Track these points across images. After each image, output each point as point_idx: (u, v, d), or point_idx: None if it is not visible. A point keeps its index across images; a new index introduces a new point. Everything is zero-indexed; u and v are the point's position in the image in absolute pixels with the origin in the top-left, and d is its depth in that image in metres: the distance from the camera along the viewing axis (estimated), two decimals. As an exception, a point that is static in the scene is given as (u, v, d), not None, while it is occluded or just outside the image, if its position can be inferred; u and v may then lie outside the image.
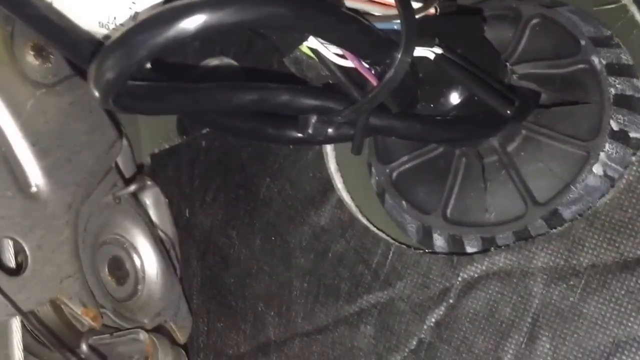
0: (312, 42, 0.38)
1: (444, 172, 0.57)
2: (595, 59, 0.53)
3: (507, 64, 0.56)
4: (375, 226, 0.62)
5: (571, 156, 0.53)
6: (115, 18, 0.30)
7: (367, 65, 0.40)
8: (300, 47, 0.39)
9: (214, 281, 0.72)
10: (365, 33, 0.37)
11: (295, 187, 0.66)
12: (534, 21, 0.56)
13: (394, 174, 0.61)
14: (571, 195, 0.52)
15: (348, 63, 0.40)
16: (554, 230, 0.51)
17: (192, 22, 0.28)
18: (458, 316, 0.54)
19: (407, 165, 0.60)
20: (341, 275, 0.61)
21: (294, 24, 0.32)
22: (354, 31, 0.35)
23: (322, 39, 0.35)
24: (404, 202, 0.60)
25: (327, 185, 0.64)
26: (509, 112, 0.45)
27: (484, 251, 0.54)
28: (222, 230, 0.71)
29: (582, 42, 0.54)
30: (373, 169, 0.63)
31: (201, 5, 0.28)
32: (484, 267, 0.54)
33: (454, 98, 0.48)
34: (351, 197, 0.64)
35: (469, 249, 0.56)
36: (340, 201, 0.63)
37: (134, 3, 0.30)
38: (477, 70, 0.45)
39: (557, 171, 0.53)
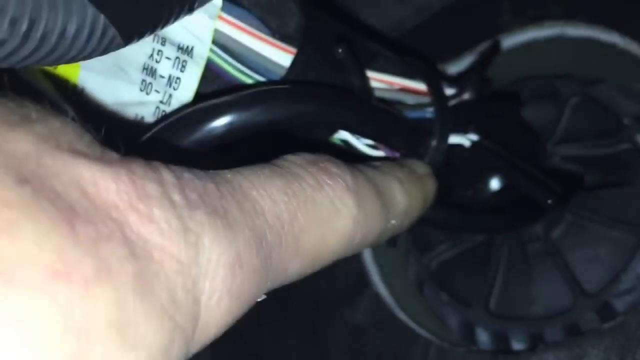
0: (343, 134, 0.38)
1: (486, 260, 0.55)
2: (640, 138, 0.51)
3: (548, 145, 0.54)
4: (414, 321, 0.59)
5: (620, 242, 0.50)
6: (142, 117, 0.30)
7: (399, 155, 0.39)
8: (331, 138, 0.38)
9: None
10: (397, 125, 0.36)
11: (329, 280, 0.64)
12: (574, 100, 0.55)
13: (433, 264, 0.59)
14: (623, 285, 0.49)
15: (380, 153, 0.39)
16: (605, 324, 0.48)
17: (220, 123, 0.27)
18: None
19: (446, 255, 0.58)
20: (379, 376, 0.59)
21: (323, 121, 0.31)
22: (385, 124, 0.35)
23: (353, 133, 0.34)
24: (444, 294, 0.57)
25: (363, 279, 0.62)
26: (550, 202, 0.43)
27: (532, 349, 0.51)
28: (253, 327, 0.69)
29: (625, 121, 0.52)
30: (410, 259, 0.61)
31: (229, 106, 0.28)
32: (532, 367, 0.50)
33: (493, 184, 0.47)
34: (388, 290, 0.61)
35: (515, 346, 0.53)
36: (377, 295, 0.61)
37: (161, 102, 0.30)
38: (515, 158, 0.44)
39: (607, 259, 0.50)
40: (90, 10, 0.19)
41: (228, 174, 0.19)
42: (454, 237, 0.58)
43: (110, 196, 0.15)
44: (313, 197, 0.21)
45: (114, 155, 0.17)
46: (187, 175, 0.18)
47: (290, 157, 0.22)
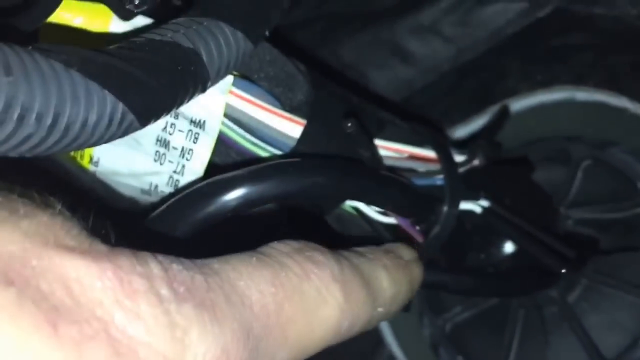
0: (354, 202, 0.38)
1: (502, 323, 0.54)
2: (654, 202, 0.51)
3: (561, 208, 0.54)
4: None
5: (638, 307, 0.49)
6: (157, 186, 0.31)
7: (410, 222, 0.40)
8: (342, 206, 0.39)
9: None
10: (407, 193, 0.36)
11: (343, 342, 0.63)
12: (586, 163, 0.56)
13: (448, 326, 0.58)
14: (642, 352, 0.48)
15: (391, 220, 0.40)
16: (625, 391, 0.47)
17: (233, 196, 0.28)
18: None
19: (461, 316, 0.57)
20: None
21: (335, 193, 0.32)
22: (395, 194, 0.35)
23: (363, 202, 0.35)
24: (460, 357, 0.56)
25: (377, 339, 0.62)
26: (563, 270, 0.42)
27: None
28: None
29: (639, 185, 0.52)
30: (425, 320, 0.61)
31: (241, 179, 0.28)
32: None
33: (506, 249, 0.47)
34: (403, 352, 0.61)
35: (533, 413, 0.52)
36: (391, 357, 0.60)
37: (175, 172, 0.31)
38: (527, 224, 0.44)
39: (625, 323, 0.50)
40: (110, 99, 0.20)
41: (216, 264, 0.19)
42: (468, 299, 0.57)
43: (96, 293, 0.15)
44: (300, 287, 0.21)
45: (101, 247, 0.17)
46: (176, 266, 0.18)
47: (276, 245, 0.22)
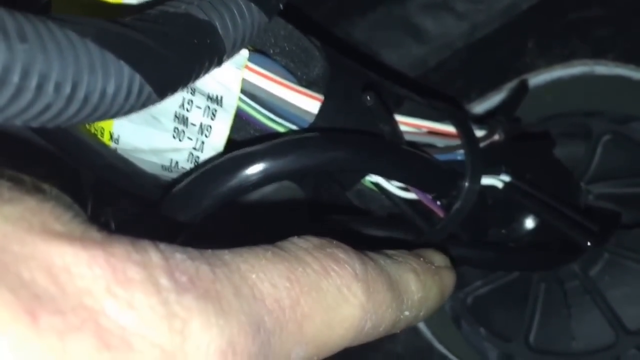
0: (374, 177, 0.38)
1: (523, 296, 0.54)
2: (675, 178, 0.50)
3: (582, 183, 0.54)
4: (452, 353, 0.58)
5: (661, 280, 0.49)
6: (177, 163, 0.31)
7: (431, 197, 0.39)
8: (363, 181, 0.38)
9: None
10: (428, 168, 0.36)
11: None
12: (606, 138, 0.55)
13: (469, 299, 0.58)
14: (665, 323, 0.48)
15: (412, 195, 0.39)
16: (651, 362, 0.47)
17: (254, 170, 0.28)
18: None
19: (482, 290, 0.57)
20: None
21: (355, 166, 0.32)
22: (416, 168, 0.35)
23: (385, 177, 0.35)
24: (482, 329, 0.56)
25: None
26: (589, 243, 0.42)
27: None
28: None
29: (660, 158, 0.52)
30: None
31: (262, 154, 0.28)
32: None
33: (527, 224, 0.46)
34: (426, 324, 0.60)
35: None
36: (415, 327, 0.60)
37: (194, 149, 0.30)
38: (550, 198, 0.43)
39: (647, 296, 0.49)
40: (127, 70, 0.20)
41: (226, 255, 0.18)
42: (489, 273, 0.57)
43: (85, 282, 0.15)
44: (318, 284, 0.20)
45: (95, 234, 0.16)
46: (179, 255, 0.17)
47: (296, 240, 0.21)
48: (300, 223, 0.38)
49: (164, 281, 0.16)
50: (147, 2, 0.27)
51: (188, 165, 0.30)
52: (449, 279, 0.28)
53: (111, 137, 0.30)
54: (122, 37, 0.20)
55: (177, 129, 0.29)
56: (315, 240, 0.22)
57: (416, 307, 0.25)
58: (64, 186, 0.17)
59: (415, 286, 0.25)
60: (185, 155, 0.30)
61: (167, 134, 0.29)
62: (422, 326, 0.60)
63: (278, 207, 0.38)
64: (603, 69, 0.56)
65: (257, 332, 0.17)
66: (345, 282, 0.21)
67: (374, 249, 0.25)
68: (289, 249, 0.21)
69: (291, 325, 0.19)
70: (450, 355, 0.58)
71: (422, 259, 0.27)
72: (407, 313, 0.24)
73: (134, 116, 0.27)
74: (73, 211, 0.16)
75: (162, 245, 0.17)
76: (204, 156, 0.30)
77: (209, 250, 0.18)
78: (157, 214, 0.27)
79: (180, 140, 0.29)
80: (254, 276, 0.18)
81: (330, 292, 0.20)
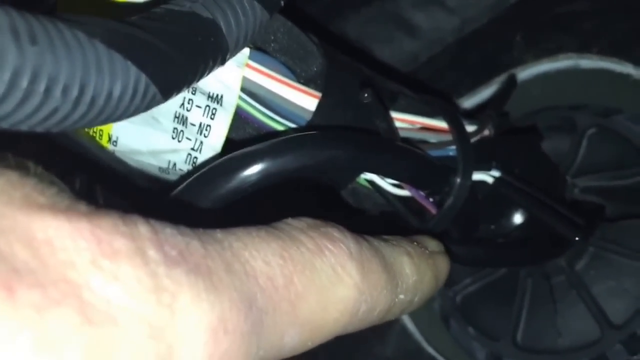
0: (369, 175, 0.38)
1: (511, 293, 0.54)
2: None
3: (567, 177, 0.54)
4: (441, 354, 0.58)
5: (645, 273, 0.50)
6: (175, 164, 0.31)
7: (424, 194, 0.39)
8: (357, 178, 0.38)
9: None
10: (422, 165, 0.36)
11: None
12: (591, 131, 0.55)
13: (458, 298, 0.58)
14: (650, 317, 0.48)
15: (405, 192, 0.39)
16: (634, 356, 0.48)
17: (253, 171, 0.28)
18: None
19: (471, 288, 0.57)
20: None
21: (352, 165, 0.32)
22: (412, 165, 0.35)
23: (381, 175, 0.35)
24: (470, 328, 0.57)
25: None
26: (577, 238, 0.42)
27: (560, 382, 0.51)
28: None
29: (643, 152, 0.52)
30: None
31: (261, 154, 0.28)
32: (561, 401, 0.50)
33: (516, 219, 0.47)
34: (415, 324, 0.61)
35: (544, 380, 0.52)
36: (404, 329, 0.60)
37: (193, 149, 0.30)
38: (538, 193, 0.44)
39: (632, 290, 0.50)
40: (133, 70, 0.19)
41: (218, 233, 0.18)
42: (478, 271, 0.57)
43: (68, 255, 0.14)
44: (312, 262, 0.20)
45: (81, 207, 0.15)
46: (170, 230, 0.16)
47: (290, 220, 0.21)
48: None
49: (152, 253, 0.15)
50: (152, 0, 0.26)
51: (186, 167, 0.29)
52: (443, 264, 0.28)
53: (110, 139, 0.29)
54: (130, 37, 0.19)
55: (177, 129, 0.29)
56: (309, 220, 0.21)
57: (411, 291, 0.24)
58: (50, 168, 0.17)
59: (410, 269, 0.25)
60: (184, 156, 0.29)
61: (166, 135, 0.29)
62: (411, 327, 0.61)
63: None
64: (588, 62, 0.56)
65: (249, 310, 0.17)
66: (340, 261, 0.21)
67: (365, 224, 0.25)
68: (283, 228, 0.20)
69: (285, 305, 0.18)
70: (439, 357, 0.58)
71: (415, 243, 0.26)
72: (401, 297, 0.24)
73: (134, 117, 0.27)
74: (57, 187, 0.16)
75: (152, 220, 0.16)
76: (202, 157, 0.29)
77: (200, 229, 0.17)
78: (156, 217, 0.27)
79: (179, 140, 0.29)
80: (246, 253, 0.18)
81: (324, 271, 0.20)
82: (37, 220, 0.14)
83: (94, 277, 0.14)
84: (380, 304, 0.22)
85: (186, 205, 0.26)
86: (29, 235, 0.14)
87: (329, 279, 0.20)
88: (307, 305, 0.19)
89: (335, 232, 0.21)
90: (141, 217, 0.16)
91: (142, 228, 0.16)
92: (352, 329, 0.22)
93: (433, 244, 0.28)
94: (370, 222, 0.40)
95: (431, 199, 0.40)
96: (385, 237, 0.25)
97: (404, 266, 0.24)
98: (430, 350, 0.59)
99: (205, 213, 0.26)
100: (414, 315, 0.61)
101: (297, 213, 0.22)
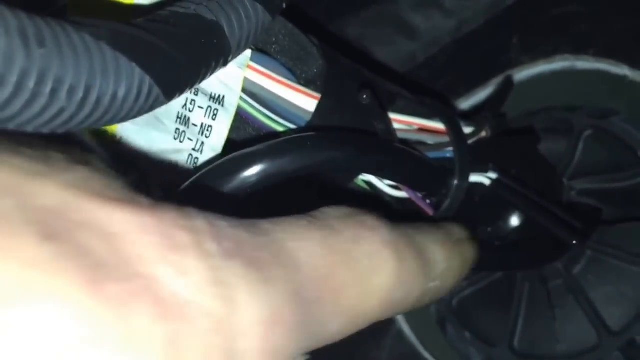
0: (367, 176, 0.38)
1: (507, 297, 0.54)
2: (656, 167, 0.51)
3: (564, 179, 0.54)
4: (438, 359, 0.58)
5: (642, 277, 0.50)
6: (177, 165, 0.31)
7: (421, 196, 0.40)
8: (355, 180, 0.38)
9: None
10: (419, 166, 0.36)
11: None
12: (587, 133, 0.55)
13: (454, 301, 0.58)
14: (647, 322, 0.49)
15: (402, 194, 0.39)
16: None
17: (253, 172, 0.28)
18: None
19: (467, 291, 0.58)
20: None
21: (351, 166, 0.32)
22: (410, 167, 0.35)
23: (380, 176, 0.35)
24: (466, 333, 0.57)
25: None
26: (575, 242, 0.43)
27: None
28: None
29: (640, 153, 0.52)
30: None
31: (260, 155, 0.28)
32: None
33: (513, 221, 0.47)
34: (411, 328, 0.61)
35: (541, 385, 0.52)
36: (400, 333, 0.60)
37: (194, 150, 0.30)
38: (535, 195, 0.44)
39: (629, 295, 0.50)
40: (138, 72, 0.20)
41: (265, 224, 0.18)
42: (474, 274, 0.57)
43: (138, 248, 0.14)
44: (351, 252, 0.20)
45: (144, 201, 0.15)
46: (223, 223, 0.16)
47: (327, 209, 0.21)
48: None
49: (211, 246, 0.15)
50: (158, 3, 0.26)
51: (187, 168, 0.29)
52: (470, 251, 0.28)
53: (113, 138, 0.29)
54: (135, 39, 0.20)
55: (179, 129, 0.29)
56: (345, 209, 0.21)
57: (442, 278, 0.25)
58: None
59: (441, 256, 0.25)
60: (185, 156, 0.29)
61: (168, 135, 0.29)
62: (407, 332, 0.61)
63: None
64: (583, 63, 0.57)
65: (298, 302, 0.17)
66: (376, 249, 0.21)
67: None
68: (321, 218, 0.20)
69: (328, 295, 0.18)
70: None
71: (443, 230, 0.27)
72: (433, 284, 0.24)
73: (137, 118, 0.27)
74: (121, 180, 0.16)
75: (206, 213, 0.16)
76: (203, 157, 0.29)
77: (246, 220, 0.17)
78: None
79: (181, 141, 0.29)
80: (291, 245, 0.18)
81: (363, 260, 0.20)
82: (110, 214, 0.14)
83: (162, 271, 0.14)
84: (414, 290, 0.23)
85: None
86: (104, 229, 0.14)
87: (366, 267, 0.20)
88: (349, 294, 0.19)
89: (371, 220, 0.22)
90: (195, 209, 0.16)
91: (199, 221, 0.16)
92: (387, 316, 0.22)
93: (459, 231, 0.28)
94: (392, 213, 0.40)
95: (428, 201, 0.40)
96: (414, 224, 0.25)
97: (436, 253, 0.25)
98: (427, 354, 0.59)
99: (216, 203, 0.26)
100: (410, 319, 0.61)
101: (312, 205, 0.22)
